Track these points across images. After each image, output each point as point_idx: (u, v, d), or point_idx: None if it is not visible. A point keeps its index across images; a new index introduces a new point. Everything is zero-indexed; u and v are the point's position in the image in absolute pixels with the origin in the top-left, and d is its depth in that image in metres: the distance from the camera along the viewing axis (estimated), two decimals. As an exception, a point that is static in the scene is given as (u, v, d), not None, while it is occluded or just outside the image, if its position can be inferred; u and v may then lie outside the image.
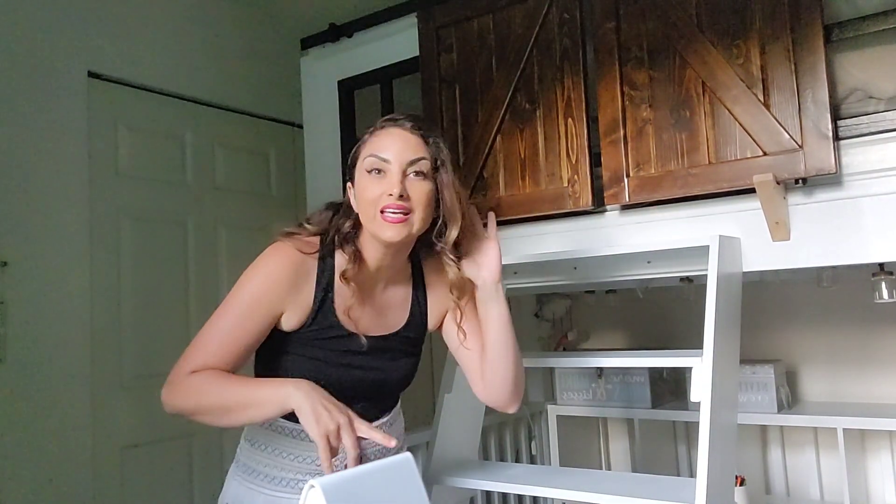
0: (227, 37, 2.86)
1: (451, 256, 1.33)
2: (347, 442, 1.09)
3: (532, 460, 2.89)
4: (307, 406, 1.10)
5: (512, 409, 1.40)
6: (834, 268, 2.13)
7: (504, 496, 2.68)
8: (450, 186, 1.29)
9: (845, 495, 2.25)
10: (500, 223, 2.04)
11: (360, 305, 1.32)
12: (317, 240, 1.31)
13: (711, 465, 1.44)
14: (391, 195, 1.21)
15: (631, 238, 1.86)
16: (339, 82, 2.52)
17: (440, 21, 2.12)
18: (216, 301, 1.26)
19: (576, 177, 1.87)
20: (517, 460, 2.84)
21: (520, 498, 2.75)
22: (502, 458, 2.76)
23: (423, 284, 1.42)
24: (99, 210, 2.38)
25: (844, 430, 2.27)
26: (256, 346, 1.26)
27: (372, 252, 1.30)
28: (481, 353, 1.38)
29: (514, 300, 3.02)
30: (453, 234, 1.30)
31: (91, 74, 2.39)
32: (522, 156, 1.97)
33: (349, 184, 1.33)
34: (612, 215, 1.91)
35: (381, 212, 1.22)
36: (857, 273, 2.14)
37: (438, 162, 1.28)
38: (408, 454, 1.11)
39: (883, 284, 2.04)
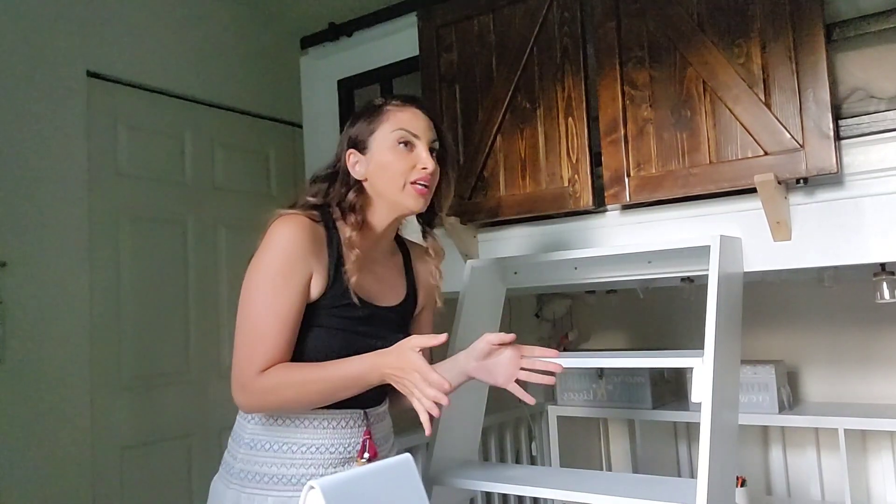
0: (227, 36, 2.85)
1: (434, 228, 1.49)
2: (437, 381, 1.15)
3: (532, 461, 2.89)
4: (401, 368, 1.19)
5: None
6: (835, 268, 2.12)
7: (504, 497, 2.67)
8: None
9: (846, 496, 2.25)
10: (500, 223, 2.07)
11: (365, 274, 1.35)
12: (317, 213, 1.33)
13: (712, 466, 1.44)
14: (425, 168, 1.32)
15: (631, 238, 1.86)
16: (339, 82, 2.52)
17: (440, 20, 2.12)
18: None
19: (576, 176, 1.87)
20: (517, 461, 2.84)
21: (520, 499, 2.75)
22: (502, 459, 2.76)
23: (412, 269, 1.50)
24: (99, 210, 2.38)
25: (846, 430, 2.26)
26: (300, 322, 1.26)
27: (378, 220, 1.37)
28: None
29: (514, 300, 3.04)
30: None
31: (91, 74, 2.39)
32: (523, 155, 1.96)
33: (350, 151, 1.35)
34: (613, 215, 1.90)
35: (413, 183, 1.32)
36: (859, 273, 2.13)
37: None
38: (408, 454, 1.11)
39: (884, 284, 2.03)
